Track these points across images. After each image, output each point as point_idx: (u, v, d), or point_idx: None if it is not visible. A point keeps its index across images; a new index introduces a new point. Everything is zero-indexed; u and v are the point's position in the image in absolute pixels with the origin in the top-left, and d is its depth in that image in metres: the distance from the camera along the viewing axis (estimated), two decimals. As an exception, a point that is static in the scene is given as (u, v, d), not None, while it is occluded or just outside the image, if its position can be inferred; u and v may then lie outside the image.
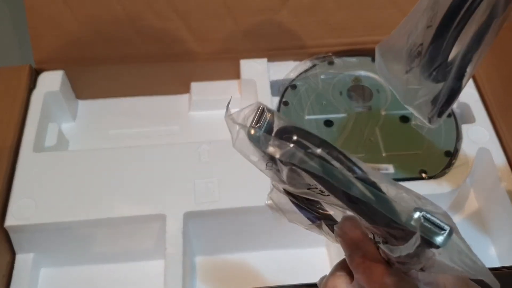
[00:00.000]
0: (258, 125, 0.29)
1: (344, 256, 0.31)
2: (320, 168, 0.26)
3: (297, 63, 0.67)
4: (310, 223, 0.36)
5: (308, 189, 0.29)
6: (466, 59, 0.35)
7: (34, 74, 0.64)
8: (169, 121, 0.68)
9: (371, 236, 0.29)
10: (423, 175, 0.56)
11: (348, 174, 0.26)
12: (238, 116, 0.30)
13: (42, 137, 0.61)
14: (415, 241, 0.24)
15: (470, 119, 0.62)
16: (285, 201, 0.35)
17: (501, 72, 0.63)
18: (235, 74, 0.68)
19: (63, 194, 0.54)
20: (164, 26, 0.65)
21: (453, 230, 0.25)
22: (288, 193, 0.33)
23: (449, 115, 0.61)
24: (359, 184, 0.25)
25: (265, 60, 0.66)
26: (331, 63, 0.67)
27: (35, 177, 0.55)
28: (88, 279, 0.56)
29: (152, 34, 0.65)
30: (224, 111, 0.33)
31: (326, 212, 0.33)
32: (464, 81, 0.36)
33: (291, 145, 0.27)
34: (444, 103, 0.37)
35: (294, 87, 0.64)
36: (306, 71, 0.66)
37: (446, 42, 0.35)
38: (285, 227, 0.57)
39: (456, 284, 0.30)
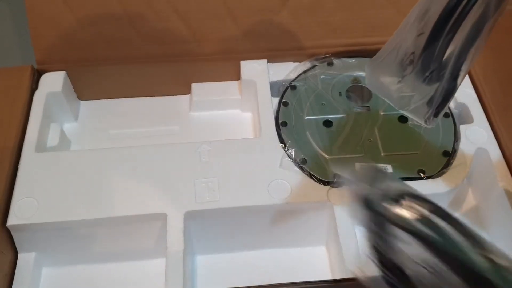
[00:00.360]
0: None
1: None
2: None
3: (296, 64, 0.68)
4: None
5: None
6: (460, 60, 0.35)
7: (36, 75, 0.65)
8: (170, 121, 0.68)
9: None
10: (422, 175, 0.56)
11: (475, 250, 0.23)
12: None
13: (44, 137, 0.61)
14: None
15: (468, 120, 0.62)
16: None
17: (499, 73, 0.63)
18: (235, 75, 0.68)
19: (65, 194, 0.54)
20: (164, 26, 0.65)
21: None
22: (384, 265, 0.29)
23: (447, 116, 0.62)
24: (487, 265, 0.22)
25: (265, 61, 0.67)
26: (330, 64, 0.67)
27: (37, 177, 0.56)
28: (90, 278, 0.57)
29: (153, 34, 0.65)
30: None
31: None
32: (459, 80, 0.36)
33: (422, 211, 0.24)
34: (440, 104, 0.38)
35: (293, 87, 0.65)
36: (305, 71, 0.66)
37: (439, 47, 0.35)
38: (285, 226, 0.57)
39: None
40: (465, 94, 0.64)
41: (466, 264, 0.22)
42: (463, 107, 0.63)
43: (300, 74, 0.66)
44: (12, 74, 0.63)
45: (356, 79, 0.66)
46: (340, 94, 0.64)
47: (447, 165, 0.58)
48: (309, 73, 0.66)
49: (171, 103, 0.70)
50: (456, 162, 0.58)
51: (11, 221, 0.52)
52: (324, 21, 0.66)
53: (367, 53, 0.68)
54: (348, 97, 0.64)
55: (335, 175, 0.56)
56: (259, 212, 0.55)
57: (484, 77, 0.65)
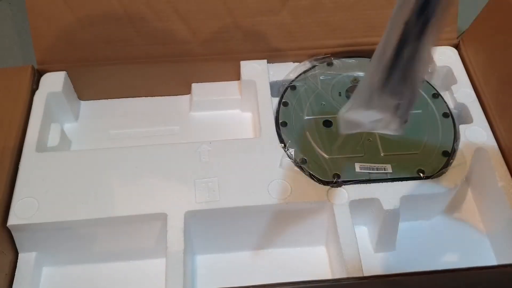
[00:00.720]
0: None
1: None
2: None
3: (296, 64, 0.68)
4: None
5: None
6: (414, 69, 0.38)
7: (37, 75, 0.65)
8: (170, 121, 0.68)
9: None
10: (421, 175, 0.57)
11: None
12: None
13: (44, 137, 0.62)
14: None
15: (467, 119, 0.62)
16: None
17: (498, 72, 0.63)
18: (235, 75, 0.68)
19: (66, 194, 0.54)
20: (164, 26, 0.65)
21: None
22: None
23: (446, 116, 0.62)
24: None
25: (265, 61, 0.67)
26: (330, 64, 0.67)
27: (38, 177, 0.56)
28: (90, 278, 0.57)
29: (153, 34, 0.65)
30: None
31: None
32: (417, 86, 0.39)
33: None
34: (406, 112, 0.40)
35: (293, 87, 0.65)
36: (305, 72, 0.66)
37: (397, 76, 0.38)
38: (285, 226, 0.57)
39: None
40: (464, 94, 0.64)
41: None
42: (462, 107, 0.63)
43: (300, 74, 0.66)
44: (13, 74, 0.64)
45: (356, 79, 0.66)
46: (340, 94, 0.64)
47: (447, 165, 0.58)
48: (309, 73, 0.66)
49: (171, 103, 0.70)
50: (455, 162, 0.58)
51: (12, 221, 0.53)
52: (324, 21, 0.66)
53: (367, 53, 0.68)
54: (348, 97, 0.64)
55: (334, 175, 0.56)
56: (259, 212, 0.55)
57: (483, 77, 0.65)
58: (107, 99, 0.70)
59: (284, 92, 0.64)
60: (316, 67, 0.67)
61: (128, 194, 0.54)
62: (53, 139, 0.62)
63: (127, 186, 0.55)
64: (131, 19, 0.64)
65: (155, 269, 0.57)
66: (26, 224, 0.53)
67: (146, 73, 0.68)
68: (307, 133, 0.60)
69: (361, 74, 0.66)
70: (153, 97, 0.71)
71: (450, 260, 0.58)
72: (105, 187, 0.55)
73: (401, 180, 0.56)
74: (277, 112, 0.63)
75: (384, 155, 0.58)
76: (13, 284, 0.53)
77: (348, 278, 0.49)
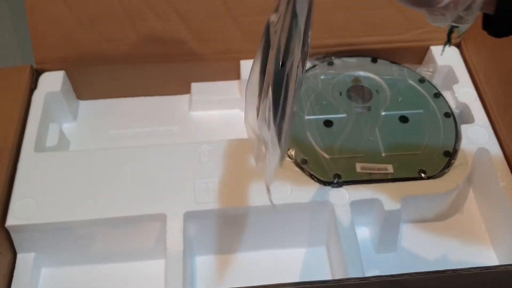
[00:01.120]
0: None
1: None
2: None
3: (297, 63, 0.67)
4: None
5: None
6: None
7: (35, 75, 0.65)
8: (169, 121, 0.68)
9: None
10: (422, 175, 0.56)
11: None
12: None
13: (43, 137, 0.61)
14: None
15: (469, 119, 0.62)
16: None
17: (499, 72, 0.63)
18: (235, 75, 0.68)
19: (64, 194, 0.54)
20: (165, 26, 0.65)
21: None
22: None
23: (448, 116, 0.62)
24: None
25: (265, 60, 0.67)
26: (330, 63, 0.67)
27: (36, 177, 0.55)
28: (89, 279, 0.56)
29: (153, 34, 0.65)
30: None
31: None
32: (288, 119, 0.40)
33: None
34: (285, 146, 0.41)
35: (294, 87, 0.65)
36: (306, 71, 0.66)
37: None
38: (285, 226, 0.57)
39: None
40: (466, 93, 0.64)
41: None
42: (464, 107, 0.63)
43: (300, 74, 0.66)
44: (11, 73, 0.63)
45: (356, 79, 0.65)
46: (340, 94, 0.64)
47: (448, 165, 0.57)
48: (309, 73, 0.66)
49: (170, 103, 0.70)
50: (457, 162, 0.58)
51: (10, 221, 0.52)
52: (324, 21, 0.66)
53: (367, 52, 0.68)
54: (349, 97, 0.64)
55: (335, 176, 0.56)
56: (259, 212, 0.55)
57: (485, 76, 0.64)
58: (106, 98, 0.70)
59: (285, 92, 0.64)
60: (316, 67, 0.67)
61: (127, 195, 0.54)
62: (51, 139, 0.62)
63: (126, 186, 0.55)
64: (131, 19, 0.64)
65: (154, 270, 0.56)
66: (25, 224, 0.52)
67: (146, 73, 0.68)
68: (308, 133, 0.60)
69: (361, 73, 0.66)
70: (153, 97, 0.71)
71: (451, 260, 0.57)
72: (104, 188, 0.55)
73: (402, 181, 0.56)
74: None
75: (386, 155, 0.58)
76: (12, 285, 0.53)
77: (348, 279, 0.48)
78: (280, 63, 0.38)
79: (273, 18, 0.40)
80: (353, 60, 0.67)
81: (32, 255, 0.55)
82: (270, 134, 0.40)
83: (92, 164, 0.57)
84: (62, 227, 0.53)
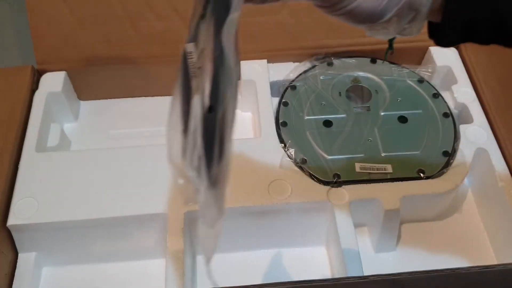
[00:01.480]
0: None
1: None
2: None
3: (296, 64, 0.68)
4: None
5: None
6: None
7: (36, 75, 0.65)
8: (170, 121, 0.68)
9: None
10: (421, 175, 0.57)
11: None
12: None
13: (44, 137, 0.61)
14: None
15: (468, 119, 0.62)
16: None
17: (498, 72, 0.63)
18: (235, 75, 0.68)
19: (65, 194, 0.54)
20: (165, 26, 0.65)
21: None
22: None
23: (447, 116, 0.62)
24: None
25: (265, 61, 0.67)
26: (330, 64, 0.67)
27: (37, 177, 0.56)
28: (90, 278, 0.57)
29: (153, 34, 0.65)
30: None
31: None
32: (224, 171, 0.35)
33: None
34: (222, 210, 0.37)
35: (293, 87, 0.65)
36: (305, 72, 0.66)
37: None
38: (285, 226, 0.57)
39: None
40: (465, 94, 0.64)
41: None
42: (462, 107, 0.63)
43: (300, 74, 0.66)
44: (12, 74, 0.64)
45: (356, 79, 0.66)
46: (340, 94, 0.64)
47: (447, 165, 0.58)
48: (309, 73, 0.66)
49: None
50: (456, 162, 0.58)
51: (11, 221, 0.53)
52: (324, 21, 0.66)
53: (367, 53, 0.68)
54: (348, 97, 0.64)
55: (334, 175, 0.56)
56: (259, 212, 0.55)
57: (483, 77, 0.65)
58: (106, 99, 0.70)
59: (284, 92, 0.64)
60: (316, 67, 0.67)
61: (128, 194, 0.54)
62: (53, 139, 0.62)
63: (126, 186, 0.55)
64: (131, 19, 0.64)
65: (155, 269, 0.56)
66: (26, 224, 0.52)
67: (146, 73, 0.68)
68: (307, 133, 0.60)
69: (361, 73, 0.66)
70: (153, 97, 0.71)
71: (450, 260, 0.58)
72: (105, 187, 0.55)
73: (401, 180, 0.56)
74: (277, 112, 0.62)
75: (385, 155, 0.58)
76: (13, 284, 0.53)
77: (348, 278, 0.49)
78: (208, 108, 0.32)
79: (190, 48, 0.33)
80: (352, 60, 0.67)
81: (33, 254, 0.55)
82: (202, 189, 0.35)
83: (93, 164, 0.57)
84: (63, 226, 0.53)
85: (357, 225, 0.56)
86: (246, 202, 0.54)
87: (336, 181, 0.56)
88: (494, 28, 0.33)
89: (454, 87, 0.65)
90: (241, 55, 0.69)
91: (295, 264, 0.58)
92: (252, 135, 0.67)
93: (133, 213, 0.53)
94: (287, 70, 0.67)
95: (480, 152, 0.59)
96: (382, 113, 0.62)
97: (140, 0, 0.64)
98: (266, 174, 0.56)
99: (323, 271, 0.57)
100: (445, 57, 0.68)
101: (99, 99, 0.70)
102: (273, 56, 0.67)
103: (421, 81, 0.66)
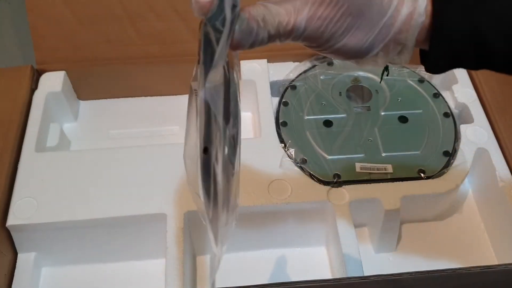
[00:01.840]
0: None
1: None
2: None
3: (296, 63, 0.67)
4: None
5: None
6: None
7: (36, 75, 0.65)
8: (169, 121, 0.68)
9: None
10: (422, 175, 0.56)
11: None
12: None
13: (44, 137, 0.61)
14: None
15: (468, 119, 0.62)
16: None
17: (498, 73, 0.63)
18: (235, 75, 0.68)
19: (65, 194, 0.54)
20: (165, 26, 0.65)
21: None
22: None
23: (447, 115, 0.62)
24: None
25: (265, 61, 0.67)
26: (330, 63, 0.67)
27: (37, 177, 0.56)
28: (89, 278, 0.57)
29: (153, 34, 0.65)
30: None
31: None
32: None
33: None
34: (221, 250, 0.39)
35: (293, 87, 0.65)
36: (305, 71, 0.66)
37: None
38: (285, 226, 0.57)
39: None
40: (465, 94, 0.64)
41: None
42: (463, 107, 0.63)
43: (300, 74, 0.66)
44: (12, 74, 0.63)
45: (356, 79, 0.66)
46: (340, 94, 0.64)
47: (448, 165, 0.58)
48: (309, 73, 0.66)
49: (170, 103, 0.70)
50: (456, 162, 0.58)
51: (11, 221, 0.52)
52: (324, 21, 0.66)
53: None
54: (348, 97, 0.64)
55: (335, 175, 0.56)
56: (259, 212, 0.55)
57: (484, 77, 0.65)
58: (106, 98, 0.70)
59: (284, 92, 0.64)
60: (316, 67, 0.67)
61: (128, 194, 0.54)
62: (52, 139, 0.62)
63: (126, 186, 0.55)
64: (131, 19, 0.64)
65: (154, 269, 0.56)
66: (25, 224, 0.52)
67: (146, 73, 0.68)
68: (307, 133, 0.60)
69: (361, 73, 0.66)
70: (153, 97, 0.71)
71: (451, 260, 0.57)
72: (105, 187, 0.55)
73: (402, 180, 0.56)
74: (277, 112, 0.62)
75: (385, 155, 0.58)
76: (12, 284, 0.53)
77: (348, 278, 0.49)
78: (203, 148, 0.34)
79: (195, 86, 0.35)
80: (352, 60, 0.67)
81: (32, 254, 0.55)
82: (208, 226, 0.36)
83: (93, 164, 0.57)
84: (62, 226, 0.53)
85: (357, 225, 0.56)
86: (246, 202, 0.54)
87: (336, 181, 0.56)
88: (480, 50, 0.34)
89: (454, 87, 0.65)
90: (241, 55, 0.69)
91: (295, 264, 0.58)
92: (252, 135, 0.67)
93: (133, 213, 0.53)
94: (287, 70, 0.67)
95: (481, 152, 0.59)
96: (382, 113, 0.62)
97: (140, 0, 0.64)
98: (266, 174, 0.56)
99: (323, 271, 0.57)
100: (446, 57, 0.67)
101: (99, 99, 0.70)
102: (273, 56, 0.67)
103: (421, 81, 0.66)
